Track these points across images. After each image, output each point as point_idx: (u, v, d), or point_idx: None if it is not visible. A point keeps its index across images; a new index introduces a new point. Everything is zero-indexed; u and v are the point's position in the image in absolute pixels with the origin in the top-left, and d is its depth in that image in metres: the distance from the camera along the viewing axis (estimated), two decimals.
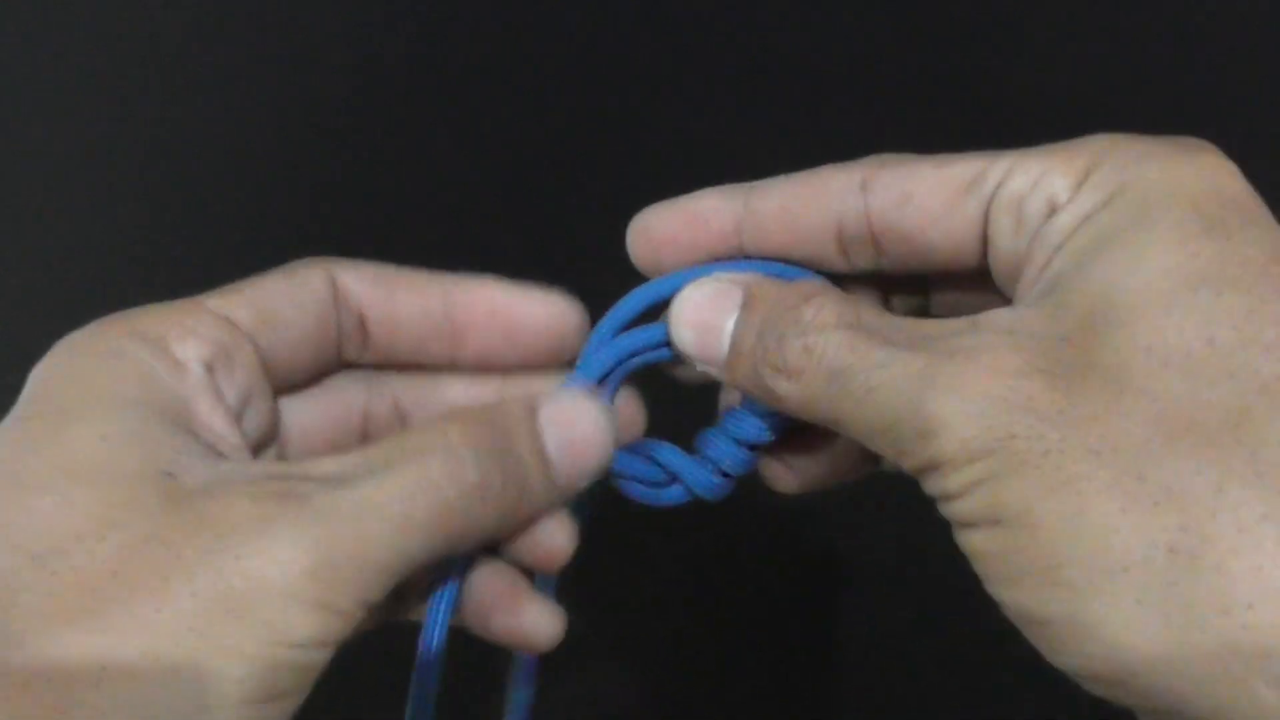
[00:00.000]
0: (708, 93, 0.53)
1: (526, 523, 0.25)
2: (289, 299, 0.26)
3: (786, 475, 0.29)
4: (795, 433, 0.28)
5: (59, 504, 0.21)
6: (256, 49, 0.54)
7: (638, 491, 0.28)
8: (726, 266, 0.27)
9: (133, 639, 0.20)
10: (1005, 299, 0.25)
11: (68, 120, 0.54)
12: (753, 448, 0.28)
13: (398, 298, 0.27)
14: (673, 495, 0.28)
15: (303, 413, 0.28)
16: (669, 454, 0.28)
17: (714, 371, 0.26)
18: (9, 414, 0.23)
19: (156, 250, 0.53)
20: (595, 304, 0.28)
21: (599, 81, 0.53)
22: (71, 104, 0.54)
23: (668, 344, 0.27)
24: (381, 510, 0.22)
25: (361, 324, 0.27)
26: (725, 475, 0.28)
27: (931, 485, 0.22)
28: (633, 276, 0.28)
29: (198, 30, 0.55)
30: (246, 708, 0.20)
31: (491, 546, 0.26)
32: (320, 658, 0.21)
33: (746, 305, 0.25)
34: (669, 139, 0.52)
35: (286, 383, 0.27)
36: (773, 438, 0.28)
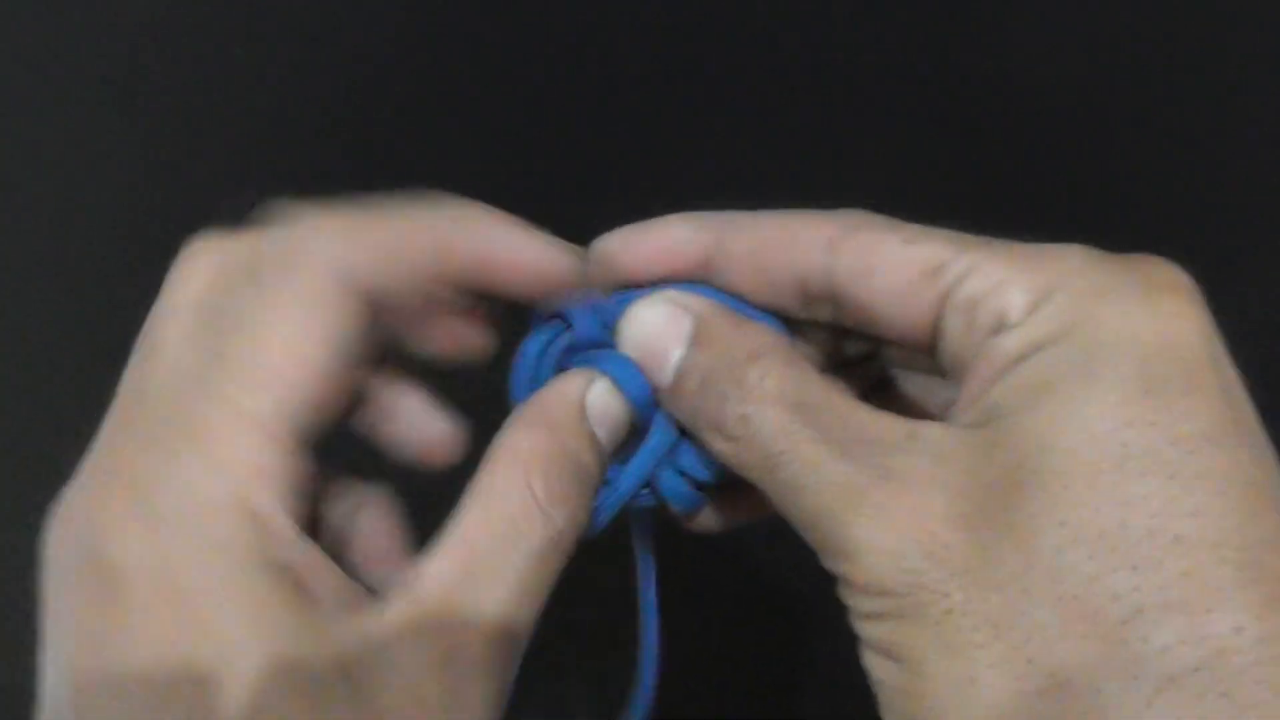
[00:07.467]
0: (705, 86, 0.53)
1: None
2: (336, 372, 0.23)
3: (712, 517, 0.28)
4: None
5: None
6: (255, 45, 0.55)
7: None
8: (681, 287, 0.26)
9: None
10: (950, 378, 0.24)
11: (65, 115, 0.54)
12: (698, 485, 0.27)
13: (405, 284, 0.25)
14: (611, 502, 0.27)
15: None
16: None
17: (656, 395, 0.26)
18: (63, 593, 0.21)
19: (151, 244, 0.53)
20: None
21: (598, 76, 0.53)
22: (69, 99, 0.54)
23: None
24: (497, 609, 0.23)
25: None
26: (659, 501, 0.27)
27: (843, 595, 0.22)
28: None
29: (196, 26, 0.55)
30: None
31: None
32: None
33: (696, 341, 0.25)
34: (664, 132, 0.53)
35: None
36: (713, 480, 0.27)
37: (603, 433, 0.26)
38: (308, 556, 0.22)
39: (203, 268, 0.25)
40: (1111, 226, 0.51)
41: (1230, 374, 0.22)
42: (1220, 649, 0.19)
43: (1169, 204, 0.51)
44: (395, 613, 0.22)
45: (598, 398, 0.26)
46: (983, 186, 0.51)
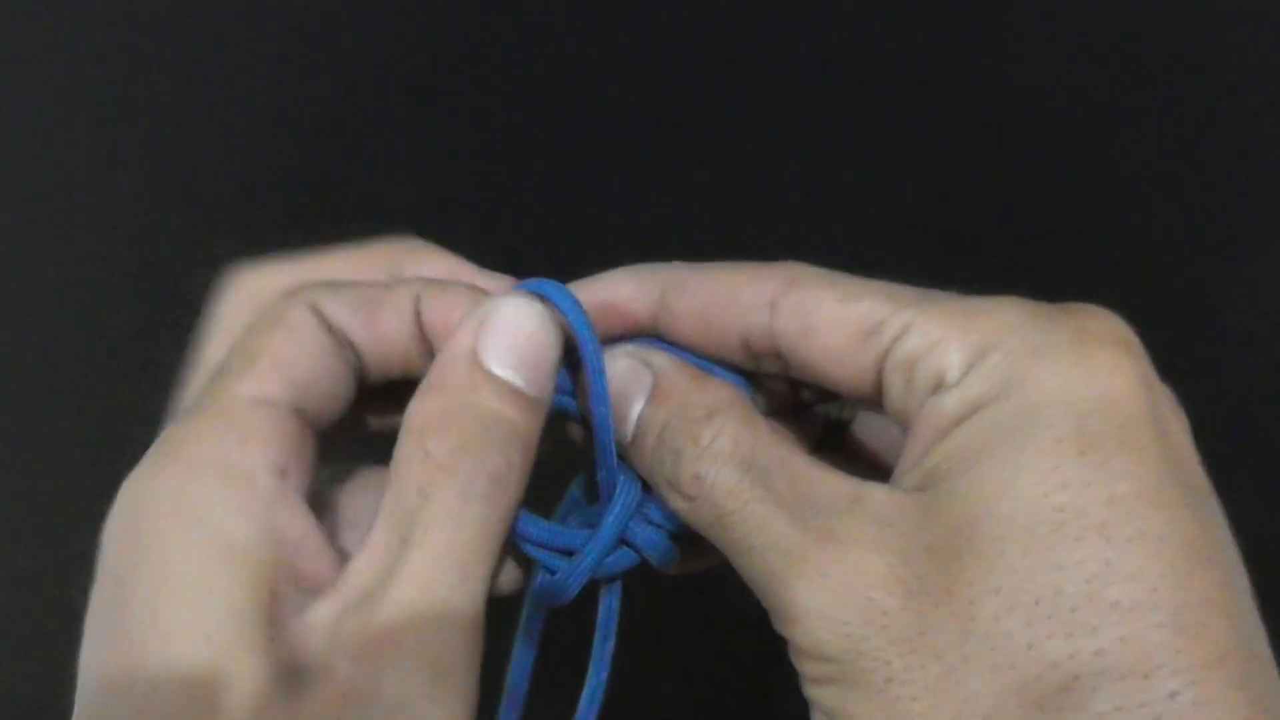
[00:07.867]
0: (705, 86, 0.53)
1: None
2: (304, 355, 0.24)
3: (684, 562, 0.28)
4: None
5: None
6: (255, 45, 0.55)
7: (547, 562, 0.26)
8: (641, 343, 0.26)
9: None
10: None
11: (65, 116, 0.54)
12: (671, 535, 0.26)
13: (378, 319, 0.25)
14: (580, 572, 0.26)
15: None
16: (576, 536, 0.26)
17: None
18: (100, 592, 0.22)
19: (151, 245, 0.53)
20: None
21: (598, 76, 0.53)
22: (69, 99, 0.54)
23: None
24: (442, 595, 0.22)
25: (353, 350, 0.25)
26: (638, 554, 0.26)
27: (791, 653, 0.22)
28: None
29: (196, 26, 0.55)
30: None
31: None
32: None
33: (654, 397, 0.25)
34: (663, 133, 0.53)
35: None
36: (678, 530, 0.26)
37: (512, 372, 0.24)
38: (285, 516, 0.23)
39: (241, 299, 0.26)
40: (1111, 226, 0.52)
41: (1171, 427, 0.21)
42: (1157, 715, 0.19)
43: (1169, 204, 0.51)
44: (320, 618, 0.22)
45: (492, 339, 0.24)
46: (983, 186, 0.51)
